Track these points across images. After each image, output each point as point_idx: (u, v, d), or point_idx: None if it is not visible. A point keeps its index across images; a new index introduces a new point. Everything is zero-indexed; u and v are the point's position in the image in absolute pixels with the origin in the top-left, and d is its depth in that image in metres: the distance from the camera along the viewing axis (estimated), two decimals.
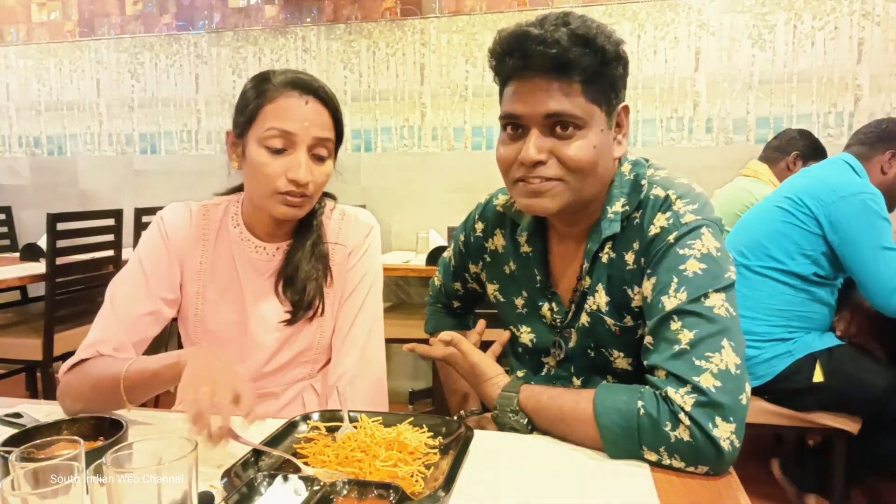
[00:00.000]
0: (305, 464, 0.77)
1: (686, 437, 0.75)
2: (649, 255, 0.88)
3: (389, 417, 0.88)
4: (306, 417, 0.90)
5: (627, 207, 0.93)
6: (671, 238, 0.86)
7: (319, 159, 1.03)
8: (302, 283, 1.07)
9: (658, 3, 2.93)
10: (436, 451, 0.81)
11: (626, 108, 0.92)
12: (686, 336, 0.79)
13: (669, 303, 0.82)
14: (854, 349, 1.83)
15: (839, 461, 1.84)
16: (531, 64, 0.84)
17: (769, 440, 2.22)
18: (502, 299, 1.10)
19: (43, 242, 2.51)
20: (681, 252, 0.84)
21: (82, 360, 0.98)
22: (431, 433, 0.85)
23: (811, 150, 2.40)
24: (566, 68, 0.83)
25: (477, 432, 0.84)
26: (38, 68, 3.77)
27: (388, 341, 3.05)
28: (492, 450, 0.82)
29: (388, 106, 3.31)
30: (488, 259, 1.12)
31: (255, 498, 0.65)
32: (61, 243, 2.44)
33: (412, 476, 0.74)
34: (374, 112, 3.33)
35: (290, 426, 0.87)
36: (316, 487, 0.65)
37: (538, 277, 1.02)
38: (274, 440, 0.81)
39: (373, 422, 0.86)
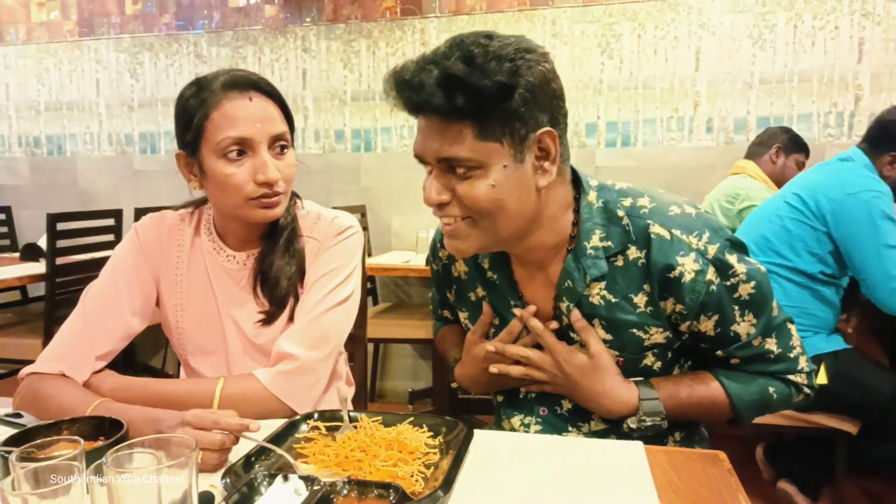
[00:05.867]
0: (305, 464, 0.77)
1: (802, 399, 0.95)
2: (692, 300, 0.86)
3: (389, 417, 0.88)
4: (306, 417, 0.90)
5: (611, 244, 0.89)
6: (712, 278, 0.86)
7: (281, 152, 1.01)
8: (275, 278, 1.05)
9: (658, 2, 2.93)
10: (436, 450, 0.81)
11: (550, 133, 0.82)
12: (772, 345, 0.91)
13: (742, 329, 0.89)
14: (859, 354, 1.83)
15: (839, 461, 1.84)
16: (409, 108, 0.81)
17: (769, 440, 2.24)
18: (472, 326, 1.04)
19: (43, 242, 2.51)
20: (728, 284, 0.87)
21: (42, 373, 0.97)
22: (431, 433, 0.85)
23: (792, 142, 2.51)
24: (443, 112, 0.78)
25: (477, 432, 0.84)
26: (38, 68, 3.77)
27: (389, 341, 3.08)
28: (492, 450, 0.82)
29: (387, 106, 3.27)
30: (455, 287, 1.08)
31: (256, 498, 0.65)
32: (61, 243, 2.44)
33: (412, 476, 0.74)
34: (375, 112, 3.33)
35: (291, 426, 0.87)
36: (316, 487, 0.65)
37: (511, 302, 0.98)
38: (274, 440, 0.81)
39: (373, 422, 0.86)
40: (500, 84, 0.77)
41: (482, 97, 0.77)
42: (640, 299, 0.89)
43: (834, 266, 1.76)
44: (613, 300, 0.89)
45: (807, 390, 0.94)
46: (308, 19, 3.36)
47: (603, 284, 0.90)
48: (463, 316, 1.08)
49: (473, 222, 0.85)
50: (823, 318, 1.80)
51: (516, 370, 0.91)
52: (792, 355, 0.92)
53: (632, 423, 0.88)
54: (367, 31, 3.29)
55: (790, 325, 0.93)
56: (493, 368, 0.90)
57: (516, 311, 0.91)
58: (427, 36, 3.22)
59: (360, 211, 3.24)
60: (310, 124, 3.41)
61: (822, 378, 1.73)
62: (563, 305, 0.92)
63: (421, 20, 3.22)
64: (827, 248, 1.75)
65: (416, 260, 2.79)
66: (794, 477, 2.00)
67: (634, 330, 0.90)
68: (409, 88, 0.79)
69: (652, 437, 0.93)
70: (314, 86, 3.39)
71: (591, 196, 0.91)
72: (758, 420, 1.76)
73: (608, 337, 0.91)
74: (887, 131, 1.84)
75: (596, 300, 0.90)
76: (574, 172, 0.93)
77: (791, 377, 0.93)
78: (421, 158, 0.85)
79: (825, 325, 1.82)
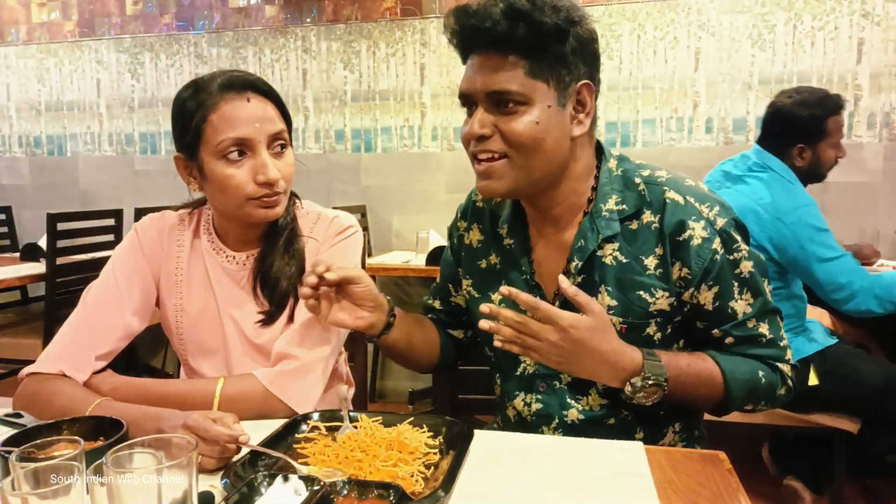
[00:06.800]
0: (305, 464, 0.77)
1: (784, 392, 0.96)
2: (697, 266, 0.90)
3: (389, 417, 0.88)
4: (306, 417, 0.90)
5: (625, 206, 0.94)
6: (717, 248, 0.91)
7: (280, 151, 1.01)
8: (274, 278, 1.05)
9: (658, 3, 2.93)
10: (436, 450, 0.81)
11: (588, 87, 0.90)
12: (765, 329, 0.95)
13: (739, 306, 0.93)
14: (847, 348, 1.83)
15: (839, 460, 1.84)
16: (469, 39, 0.88)
17: (769, 440, 2.24)
18: (476, 295, 1.07)
19: (43, 242, 2.51)
20: (731, 258, 0.92)
21: (42, 373, 0.97)
22: (431, 433, 0.85)
23: None
24: (502, 44, 0.85)
25: (477, 432, 0.84)
26: (39, 68, 3.77)
27: None
28: (492, 450, 0.82)
29: (388, 106, 3.31)
30: (463, 255, 1.10)
31: (256, 498, 0.65)
32: (61, 243, 2.44)
33: (412, 476, 0.74)
34: (374, 112, 3.33)
35: (291, 426, 0.87)
36: (316, 487, 0.65)
37: (523, 269, 1.01)
38: (274, 440, 0.81)
39: (373, 422, 0.87)
40: (558, 27, 0.84)
41: (541, 33, 0.84)
42: (650, 261, 0.92)
43: (779, 280, 1.76)
44: (625, 260, 0.93)
45: (790, 382, 0.97)
46: (308, 20, 3.37)
47: (616, 245, 0.94)
48: (466, 283, 1.10)
49: (509, 160, 0.89)
50: (799, 310, 1.81)
51: (507, 332, 0.87)
52: (781, 344, 0.96)
53: (636, 381, 0.88)
54: (368, 32, 3.29)
55: (779, 319, 0.97)
56: (484, 325, 0.88)
57: (502, 290, 0.87)
58: (427, 36, 3.22)
59: (361, 211, 3.25)
60: (310, 124, 3.42)
61: (812, 379, 1.74)
62: (573, 265, 0.94)
63: (421, 20, 3.22)
64: (771, 270, 1.74)
65: (416, 260, 2.79)
66: (800, 474, 2.00)
67: (641, 292, 0.92)
68: (473, 17, 0.85)
69: (652, 425, 0.95)
70: (314, 86, 3.39)
71: (612, 163, 0.98)
72: (758, 420, 1.78)
73: (613, 303, 0.93)
74: (791, 124, 1.80)
75: (608, 260, 0.94)
76: (598, 144, 0.99)
77: (779, 364, 0.96)
78: (468, 96, 0.90)
79: (800, 316, 1.82)
